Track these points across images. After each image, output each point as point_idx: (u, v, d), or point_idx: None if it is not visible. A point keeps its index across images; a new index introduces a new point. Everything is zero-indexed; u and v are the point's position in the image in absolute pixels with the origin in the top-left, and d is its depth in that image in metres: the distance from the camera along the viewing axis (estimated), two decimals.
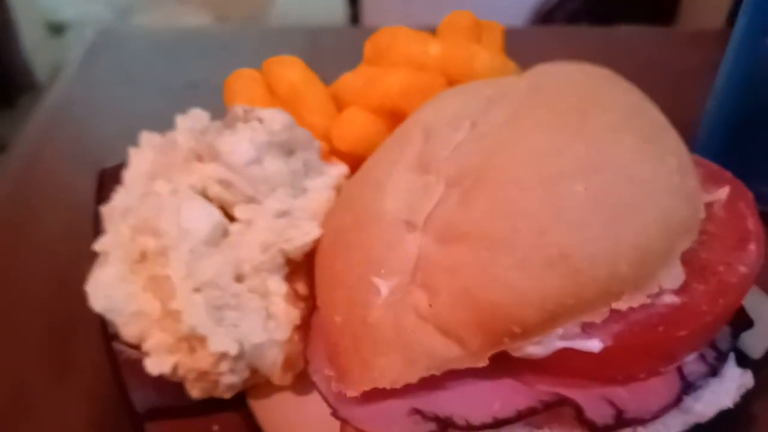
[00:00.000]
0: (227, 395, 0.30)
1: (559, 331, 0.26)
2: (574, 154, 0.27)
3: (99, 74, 0.64)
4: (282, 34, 0.76)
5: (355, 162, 0.36)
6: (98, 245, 0.33)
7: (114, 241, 0.33)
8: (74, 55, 0.67)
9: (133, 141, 0.36)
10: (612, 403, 0.26)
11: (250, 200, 0.33)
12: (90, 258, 0.33)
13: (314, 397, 0.29)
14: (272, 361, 0.30)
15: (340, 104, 0.39)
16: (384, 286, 0.27)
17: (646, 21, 0.81)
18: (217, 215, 0.32)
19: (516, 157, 0.27)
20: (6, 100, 1.70)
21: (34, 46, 1.73)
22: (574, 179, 0.26)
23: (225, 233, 0.32)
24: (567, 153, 0.27)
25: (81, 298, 0.32)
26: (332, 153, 0.38)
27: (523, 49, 0.43)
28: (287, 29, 0.83)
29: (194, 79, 0.60)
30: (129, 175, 0.35)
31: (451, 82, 0.38)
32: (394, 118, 0.37)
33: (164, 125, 0.36)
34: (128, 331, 0.31)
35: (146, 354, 0.30)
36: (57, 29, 1.80)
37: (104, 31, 0.71)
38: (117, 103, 0.60)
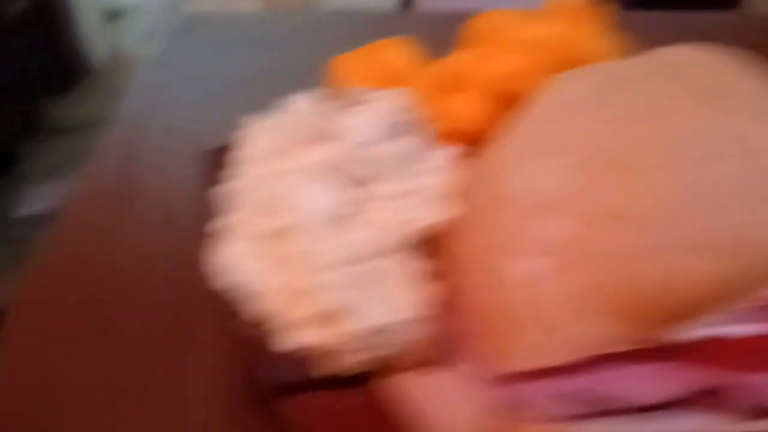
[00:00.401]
0: (356, 372, 0.30)
1: (710, 316, 0.25)
2: (719, 137, 0.27)
3: (184, 58, 0.65)
4: (337, 19, 0.77)
5: (468, 144, 0.36)
6: (220, 225, 0.34)
7: (236, 221, 0.34)
8: (159, 41, 0.68)
9: (221, 124, 0.36)
10: (762, 392, 0.26)
11: (371, 181, 0.33)
12: (203, 239, 0.34)
13: (445, 378, 0.29)
14: (402, 341, 0.30)
15: (450, 85, 0.39)
16: (521, 269, 0.27)
17: (709, 7, 0.78)
18: (338, 195, 0.33)
19: (661, 139, 0.27)
20: (63, 85, 1.75)
21: (91, 33, 1.77)
22: (721, 161, 0.26)
23: (347, 214, 0.33)
24: (713, 136, 0.27)
25: (201, 277, 0.32)
26: (445, 134, 0.37)
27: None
28: (342, 14, 0.82)
29: (274, 65, 0.61)
30: (247, 156, 0.36)
31: (565, 64, 0.37)
32: (507, 99, 0.36)
33: (249, 110, 0.37)
34: (255, 307, 0.31)
35: (273, 331, 0.31)
36: (113, 16, 1.83)
37: (189, 16, 0.73)
38: (203, 88, 0.60)
